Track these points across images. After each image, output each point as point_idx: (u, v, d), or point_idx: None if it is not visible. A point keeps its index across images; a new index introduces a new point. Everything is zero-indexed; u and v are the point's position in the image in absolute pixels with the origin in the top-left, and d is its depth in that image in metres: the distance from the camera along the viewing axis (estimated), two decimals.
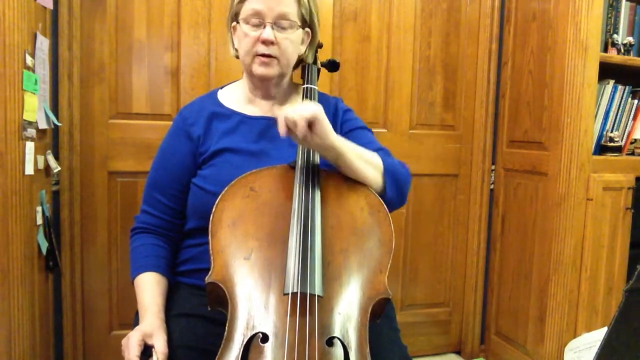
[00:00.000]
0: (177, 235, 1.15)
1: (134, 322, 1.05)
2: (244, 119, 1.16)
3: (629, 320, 0.63)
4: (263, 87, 1.17)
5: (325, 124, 0.96)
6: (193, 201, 1.10)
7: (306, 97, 1.15)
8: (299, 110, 0.93)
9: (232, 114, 1.16)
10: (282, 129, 0.92)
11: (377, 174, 1.06)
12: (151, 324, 0.97)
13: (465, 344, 2.25)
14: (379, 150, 1.16)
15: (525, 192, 2.01)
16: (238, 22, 1.12)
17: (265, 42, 1.08)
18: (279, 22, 1.08)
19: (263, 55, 1.09)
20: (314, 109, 0.94)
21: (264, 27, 1.08)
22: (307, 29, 1.17)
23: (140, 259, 1.09)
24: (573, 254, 1.81)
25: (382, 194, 1.07)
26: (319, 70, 1.26)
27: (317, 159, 1.05)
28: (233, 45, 1.19)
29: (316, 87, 1.19)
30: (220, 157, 1.10)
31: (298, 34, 1.13)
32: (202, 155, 1.12)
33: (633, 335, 0.63)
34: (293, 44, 1.12)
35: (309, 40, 1.19)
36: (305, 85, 1.18)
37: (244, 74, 1.20)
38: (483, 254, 2.21)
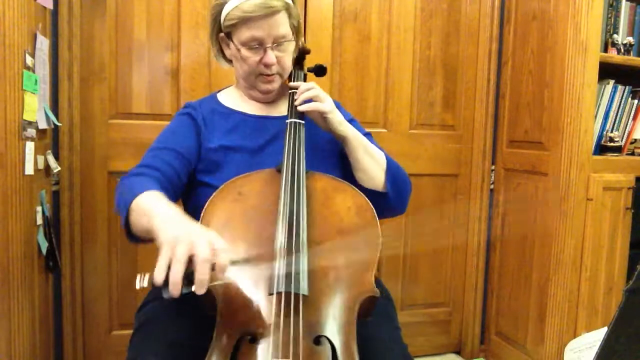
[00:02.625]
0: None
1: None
2: (244, 117, 1.19)
3: (629, 320, 0.63)
4: (262, 97, 1.21)
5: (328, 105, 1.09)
6: (202, 202, 1.09)
7: (291, 100, 1.17)
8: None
9: (231, 112, 1.19)
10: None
11: (379, 169, 1.10)
12: (191, 224, 0.79)
13: (465, 344, 2.25)
14: None
15: (525, 192, 2.01)
16: (227, 35, 1.14)
17: (267, 65, 1.12)
18: (277, 42, 1.11)
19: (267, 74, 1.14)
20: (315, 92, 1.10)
21: (265, 50, 1.11)
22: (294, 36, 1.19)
23: (136, 186, 0.94)
24: (573, 254, 1.81)
25: (384, 193, 1.11)
26: (305, 75, 1.29)
27: (303, 161, 1.05)
28: (223, 55, 1.21)
29: None
30: (226, 156, 1.12)
31: (292, 44, 1.17)
32: (206, 147, 1.12)
33: (633, 336, 0.63)
34: (290, 55, 1.17)
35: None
36: (291, 91, 1.20)
37: (241, 82, 1.22)
38: (483, 254, 2.21)
